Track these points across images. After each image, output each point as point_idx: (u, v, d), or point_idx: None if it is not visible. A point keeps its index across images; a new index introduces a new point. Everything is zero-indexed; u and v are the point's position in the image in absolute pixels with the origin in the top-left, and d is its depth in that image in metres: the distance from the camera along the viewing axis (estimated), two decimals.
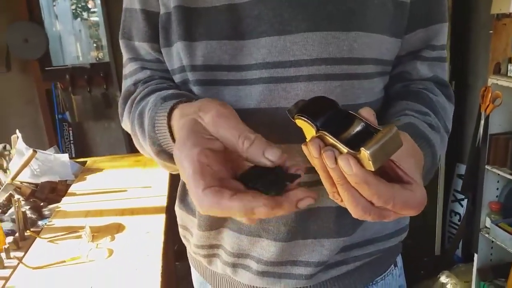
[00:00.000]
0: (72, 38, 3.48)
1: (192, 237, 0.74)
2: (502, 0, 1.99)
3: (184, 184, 0.76)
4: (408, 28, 0.65)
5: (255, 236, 0.66)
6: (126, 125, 0.69)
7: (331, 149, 0.42)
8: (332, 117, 0.44)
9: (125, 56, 0.72)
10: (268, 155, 0.43)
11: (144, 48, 0.69)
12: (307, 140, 0.45)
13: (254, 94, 0.59)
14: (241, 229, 0.66)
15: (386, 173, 0.45)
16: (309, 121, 0.44)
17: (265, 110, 0.59)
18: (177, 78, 0.66)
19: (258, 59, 0.58)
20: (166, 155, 0.57)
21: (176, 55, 0.64)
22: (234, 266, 0.70)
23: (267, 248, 0.66)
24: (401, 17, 0.63)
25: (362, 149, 0.40)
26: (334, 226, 0.64)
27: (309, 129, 0.45)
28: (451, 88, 0.71)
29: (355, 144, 0.42)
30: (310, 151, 0.43)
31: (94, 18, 3.51)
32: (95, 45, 3.51)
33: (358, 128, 0.43)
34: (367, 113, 0.43)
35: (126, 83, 0.72)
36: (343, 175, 0.42)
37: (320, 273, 0.68)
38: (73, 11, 3.49)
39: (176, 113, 0.53)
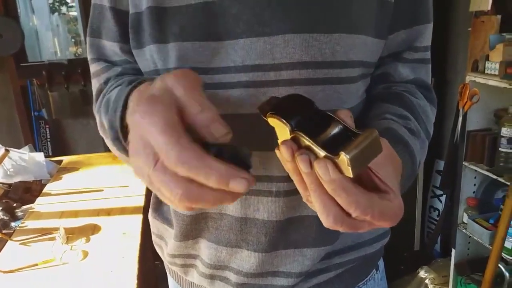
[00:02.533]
0: (50, 34, 3.40)
1: (167, 247, 0.72)
2: None
3: None
4: (391, 29, 0.62)
5: (234, 247, 0.63)
6: (98, 124, 0.63)
7: (306, 153, 0.39)
8: (307, 117, 0.41)
9: (91, 55, 0.68)
10: (214, 130, 0.37)
11: (112, 48, 0.65)
12: (278, 141, 0.43)
13: (232, 98, 0.56)
14: (219, 240, 0.64)
15: (361, 180, 0.43)
16: (282, 121, 0.41)
17: (244, 115, 0.56)
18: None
19: (236, 62, 0.55)
20: (121, 145, 0.51)
21: (149, 58, 0.60)
22: (212, 278, 0.68)
23: (246, 260, 0.63)
24: (385, 17, 0.61)
25: (342, 153, 0.37)
26: (316, 235, 0.63)
27: (282, 129, 0.42)
28: (433, 91, 0.69)
29: (332, 147, 0.39)
30: (282, 154, 0.40)
31: (72, 13, 3.44)
32: (73, 40, 3.44)
33: (335, 130, 0.41)
34: (345, 115, 0.41)
35: (95, 83, 0.68)
36: (317, 180, 0.39)
37: (302, 282, 0.66)
38: (51, 5, 3.41)
39: (135, 92, 0.47)
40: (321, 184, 0.39)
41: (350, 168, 0.37)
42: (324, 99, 0.57)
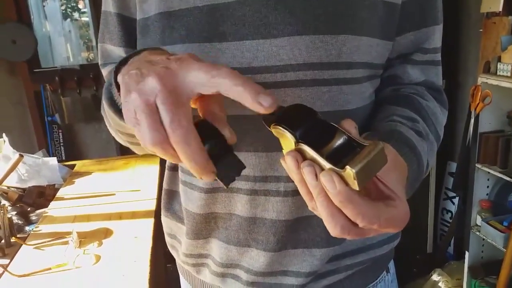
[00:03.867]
0: (62, 39, 3.45)
1: (181, 246, 0.73)
2: None
3: (168, 191, 0.74)
4: (399, 30, 0.63)
5: (244, 246, 0.65)
6: (104, 118, 0.62)
7: (311, 164, 0.40)
8: (311, 127, 0.42)
9: (101, 60, 0.70)
10: (262, 99, 0.40)
11: (118, 53, 0.67)
12: (283, 151, 0.43)
13: None
14: (230, 239, 0.65)
15: (366, 187, 0.43)
16: (287, 132, 0.41)
17: (251, 117, 0.55)
18: None
19: (242, 64, 0.56)
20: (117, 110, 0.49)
21: None
22: (223, 276, 0.69)
23: (256, 258, 0.64)
24: (392, 19, 0.61)
25: (348, 167, 0.38)
26: (324, 235, 0.63)
27: (287, 140, 0.42)
28: (444, 94, 0.69)
29: (337, 159, 0.39)
30: (288, 165, 0.41)
31: (84, 19, 3.48)
32: (85, 45, 3.48)
33: (339, 141, 0.41)
34: (349, 125, 0.42)
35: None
36: (323, 192, 0.40)
37: (312, 283, 0.67)
38: (63, 11, 3.45)
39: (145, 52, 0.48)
40: (327, 195, 0.40)
41: (356, 181, 0.38)
42: (330, 99, 0.57)
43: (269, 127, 0.44)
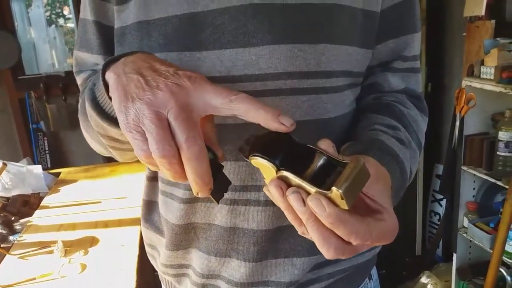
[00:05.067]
0: (47, 46, 3.42)
1: (160, 256, 0.72)
2: (475, 2, 2.02)
3: (147, 202, 0.73)
4: (378, 39, 0.63)
5: (225, 257, 0.64)
6: (81, 123, 0.62)
7: (296, 191, 0.39)
8: (289, 152, 0.41)
9: (76, 68, 0.69)
10: (283, 120, 0.42)
11: (95, 61, 0.66)
12: (265, 180, 0.43)
13: None
14: (210, 250, 0.64)
15: (354, 204, 0.43)
16: (267, 161, 0.41)
17: (231, 126, 0.56)
18: None
19: (222, 72, 0.55)
20: (107, 119, 0.48)
21: None
22: (204, 287, 0.68)
23: (237, 269, 0.63)
24: (371, 28, 0.61)
25: (334, 188, 0.37)
26: (306, 244, 0.62)
27: (267, 169, 0.42)
28: (424, 101, 0.70)
29: (320, 181, 0.39)
30: (273, 195, 0.41)
31: (69, 25, 3.45)
32: (70, 52, 3.45)
33: (320, 162, 0.41)
34: (326, 145, 0.41)
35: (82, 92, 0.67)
36: (313, 216, 0.39)
37: None
38: (48, 18, 3.42)
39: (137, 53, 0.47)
40: (317, 218, 0.39)
41: (344, 201, 0.38)
42: (310, 108, 0.57)
43: (246, 158, 0.43)
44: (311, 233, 0.40)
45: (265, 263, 0.63)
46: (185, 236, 0.65)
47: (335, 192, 0.37)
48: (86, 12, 0.65)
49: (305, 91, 0.56)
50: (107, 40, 0.64)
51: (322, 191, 0.38)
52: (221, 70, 0.55)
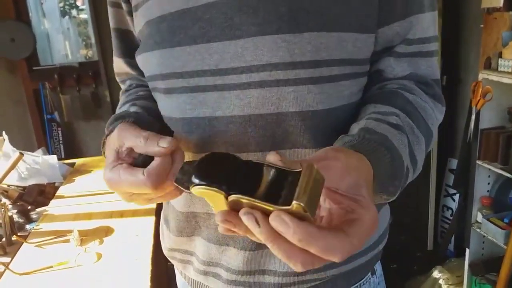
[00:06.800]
0: (61, 37, 3.44)
1: (167, 241, 0.76)
2: None
3: None
4: (382, 21, 0.59)
5: (223, 245, 0.65)
6: None
7: (248, 211, 0.36)
8: (235, 173, 0.38)
9: (117, 77, 0.83)
10: (161, 144, 0.49)
11: (123, 63, 0.77)
12: (214, 210, 0.39)
13: (209, 101, 0.58)
14: (210, 238, 0.66)
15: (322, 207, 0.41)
16: (212, 188, 0.37)
17: (220, 118, 0.57)
18: (150, 85, 0.69)
19: (211, 66, 0.56)
20: None
21: (142, 67, 0.68)
22: (206, 274, 0.70)
23: (235, 257, 0.65)
24: (370, 10, 0.57)
25: (295, 202, 0.34)
26: None
27: (214, 197, 0.38)
28: (438, 87, 0.65)
29: (275, 196, 0.36)
30: (224, 228, 0.39)
31: (83, 16, 3.47)
32: (84, 43, 3.46)
33: (270, 176, 0.37)
34: (274, 158, 0.39)
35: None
36: (272, 234, 0.36)
37: (291, 283, 0.66)
38: (61, 9, 3.44)
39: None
40: (277, 235, 0.36)
41: (308, 213, 0.35)
42: (296, 100, 0.56)
43: (187, 189, 0.39)
44: (273, 251, 0.37)
45: (262, 252, 0.64)
46: (188, 224, 0.68)
47: (296, 205, 0.34)
48: (110, 21, 0.74)
49: (290, 82, 0.55)
50: (128, 44, 0.74)
51: (282, 207, 0.35)
52: (210, 63, 0.57)
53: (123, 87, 0.80)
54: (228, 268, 0.66)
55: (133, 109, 0.67)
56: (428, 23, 0.62)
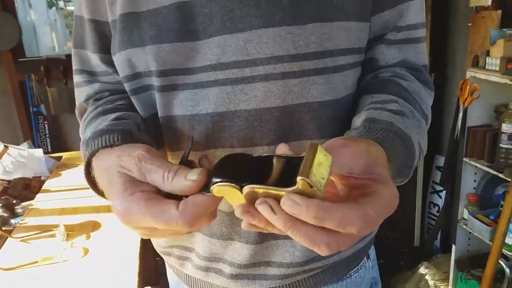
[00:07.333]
0: (47, 28, 3.38)
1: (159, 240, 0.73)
2: None
3: None
4: (375, 9, 0.60)
5: (227, 240, 0.64)
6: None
7: (263, 201, 0.37)
8: (247, 169, 0.39)
9: (74, 66, 0.69)
10: (190, 177, 0.41)
11: (94, 59, 0.66)
12: (233, 206, 0.40)
13: (211, 97, 0.56)
14: (213, 233, 0.65)
15: (335, 192, 0.41)
16: (227, 184, 0.38)
17: (224, 113, 0.56)
18: (131, 85, 0.62)
19: (212, 60, 0.55)
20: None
21: (126, 63, 0.60)
22: (207, 270, 0.69)
23: (239, 251, 0.64)
24: None
25: (299, 178, 0.35)
26: None
27: (231, 193, 0.39)
28: (426, 73, 0.66)
29: (288, 183, 0.36)
30: (246, 219, 0.39)
31: (70, 7, 3.42)
32: (71, 35, 3.41)
33: (280, 166, 0.38)
34: (283, 149, 0.40)
35: (77, 95, 0.70)
36: (290, 220, 0.36)
37: (295, 273, 0.67)
38: (48, 0, 3.39)
39: (94, 164, 0.51)
40: (294, 220, 0.36)
41: (315, 188, 0.35)
42: (301, 92, 0.56)
43: (208, 192, 0.41)
44: (296, 239, 0.37)
45: (266, 244, 0.64)
46: None
47: (301, 182, 0.35)
48: (82, 9, 0.64)
49: (295, 74, 0.55)
50: (103, 38, 0.64)
51: (290, 189, 0.36)
52: (211, 58, 0.55)
53: (88, 89, 0.68)
54: (232, 263, 0.65)
55: (122, 126, 0.58)
56: (416, 10, 0.63)
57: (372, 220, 0.37)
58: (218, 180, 0.39)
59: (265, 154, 0.40)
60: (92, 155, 0.51)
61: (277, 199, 0.37)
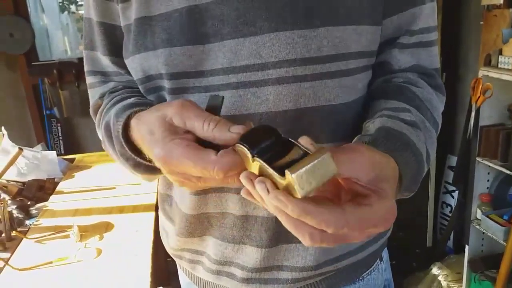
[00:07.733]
0: (60, 32, 3.42)
1: (169, 242, 0.74)
2: None
3: (159, 193, 0.75)
4: (386, 13, 0.60)
5: (239, 243, 0.64)
6: (101, 138, 0.65)
7: (262, 180, 0.39)
8: (270, 144, 0.42)
9: (86, 67, 0.70)
10: (233, 130, 0.43)
11: (105, 61, 0.67)
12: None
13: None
14: (224, 237, 0.65)
15: (340, 192, 0.42)
16: (245, 148, 0.42)
17: (236, 117, 0.56)
18: (144, 87, 0.64)
19: (224, 64, 0.55)
20: (143, 167, 0.55)
21: (139, 66, 0.61)
22: (218, 273, 0.69)
23: (251, 255, 0.64)
24: (378, 2, 0.58)
25: (287, 171, 0.36)
26: None
27: (246, 158, 0.42)
28: (438, 76, 0.66)
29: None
30: (247, 186, 0.41)
31: (82, 11, 3.46)
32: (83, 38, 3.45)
33: (295, 156, 0.40)
34: (305, 142, 0.40)
35: (92, 95, 0.71)
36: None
37: (308, 277, 0.66)
38: (60, 4, 3.43)
39: (133, 123, 0.51)
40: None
41: (296, 187, 0.36)
42: (314, 95, 0.56)
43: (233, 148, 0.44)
44: (282, 223, 0.40)
45: (278, 248, 0.64)
46: (199, 225, 0.66)
47: (287, 175, 0.37)
48: (90, 11, 0.65)
49: (308, 78, 0.55)
50: (113, 40, 0.65)
51: (281, 177, 0.38)
52: (223, 61, 0.55)
53: (103, 89, 0.69)
54: (244, 267, 0.65)
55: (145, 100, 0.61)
56: (429, 14, 0.63)
57: (350, 228, 0.38)
58: (241, 142, 0.42)
59: (290, 139, 0.42)
60: (129, 117, 0.52)
61: (273, 182, 0.39)
